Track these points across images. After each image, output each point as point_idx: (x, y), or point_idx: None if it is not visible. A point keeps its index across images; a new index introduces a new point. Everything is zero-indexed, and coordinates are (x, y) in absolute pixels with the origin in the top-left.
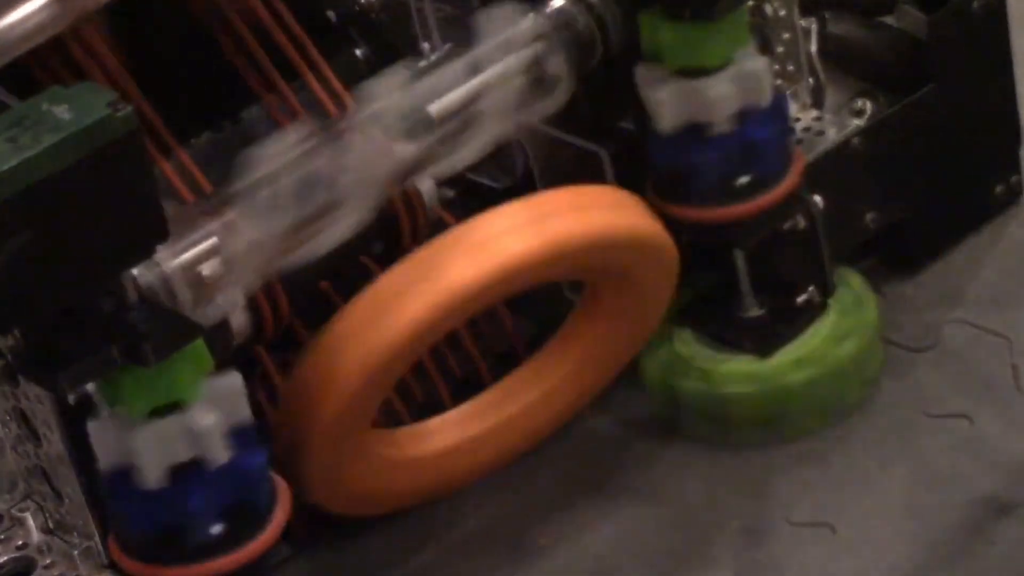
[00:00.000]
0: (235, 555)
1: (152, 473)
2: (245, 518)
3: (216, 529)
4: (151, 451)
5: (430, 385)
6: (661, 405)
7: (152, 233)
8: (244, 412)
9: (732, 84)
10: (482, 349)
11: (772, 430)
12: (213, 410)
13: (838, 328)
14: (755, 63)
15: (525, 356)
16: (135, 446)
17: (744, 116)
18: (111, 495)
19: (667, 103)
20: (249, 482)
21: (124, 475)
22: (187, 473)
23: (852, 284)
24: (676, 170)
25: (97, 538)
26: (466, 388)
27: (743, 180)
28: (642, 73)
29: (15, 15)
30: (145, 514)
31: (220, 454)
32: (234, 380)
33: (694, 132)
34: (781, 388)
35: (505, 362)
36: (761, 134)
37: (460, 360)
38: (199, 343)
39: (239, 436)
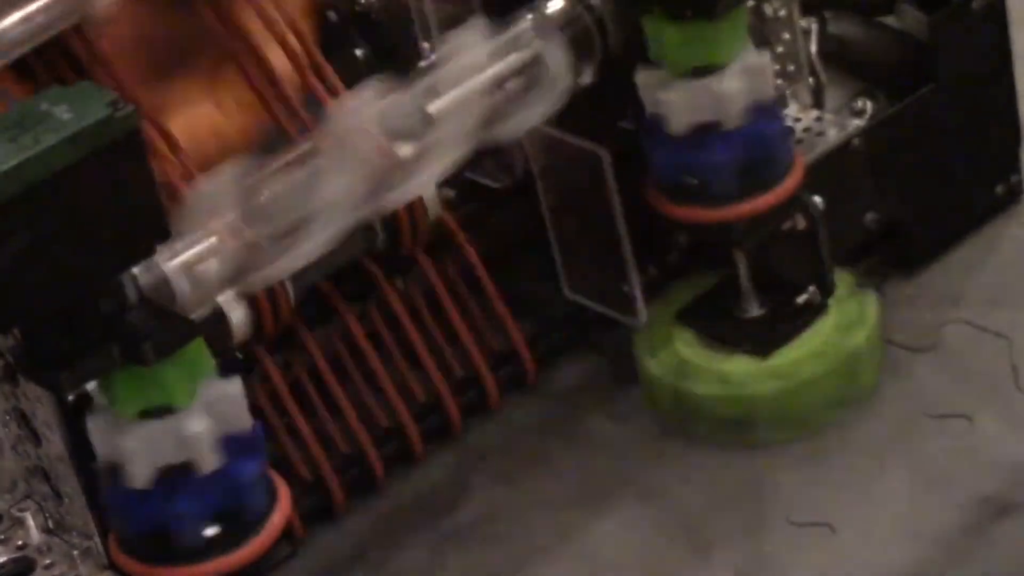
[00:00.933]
0: (226, 559)
1: (139, 473)
2: (237, 523)
3: (206, 533)
4: (138, 452)
5: (431, 384)
6: (669, 412)
7: (152, 233)
8: (240, 420)
9: (741, 79)
10: (482, 348)
11: (793, 426)
12: (205, 417)
13: (842, 320)
14: (758, 57)
15: (525, 355)
16: (123, 445)
17: (752, 111)
18: (105, 489)
19: (677, 104)
20: (240, 490)
21: (116, 472)
22: (176, 476)
23: (845, 281)
24: (688, 171)
25: (97, 538)
26: (466, 385)
27: (751, 178)
28: (644, 77)
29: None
30: (133, 512)
31: (209, 461)
32: (232, 387)
33: (705, 132)
34: (801, 383)
35: (505, 361)
36: (771, 127)
37: (460, 359)
38: (200, 347)
39: (233, 443)
